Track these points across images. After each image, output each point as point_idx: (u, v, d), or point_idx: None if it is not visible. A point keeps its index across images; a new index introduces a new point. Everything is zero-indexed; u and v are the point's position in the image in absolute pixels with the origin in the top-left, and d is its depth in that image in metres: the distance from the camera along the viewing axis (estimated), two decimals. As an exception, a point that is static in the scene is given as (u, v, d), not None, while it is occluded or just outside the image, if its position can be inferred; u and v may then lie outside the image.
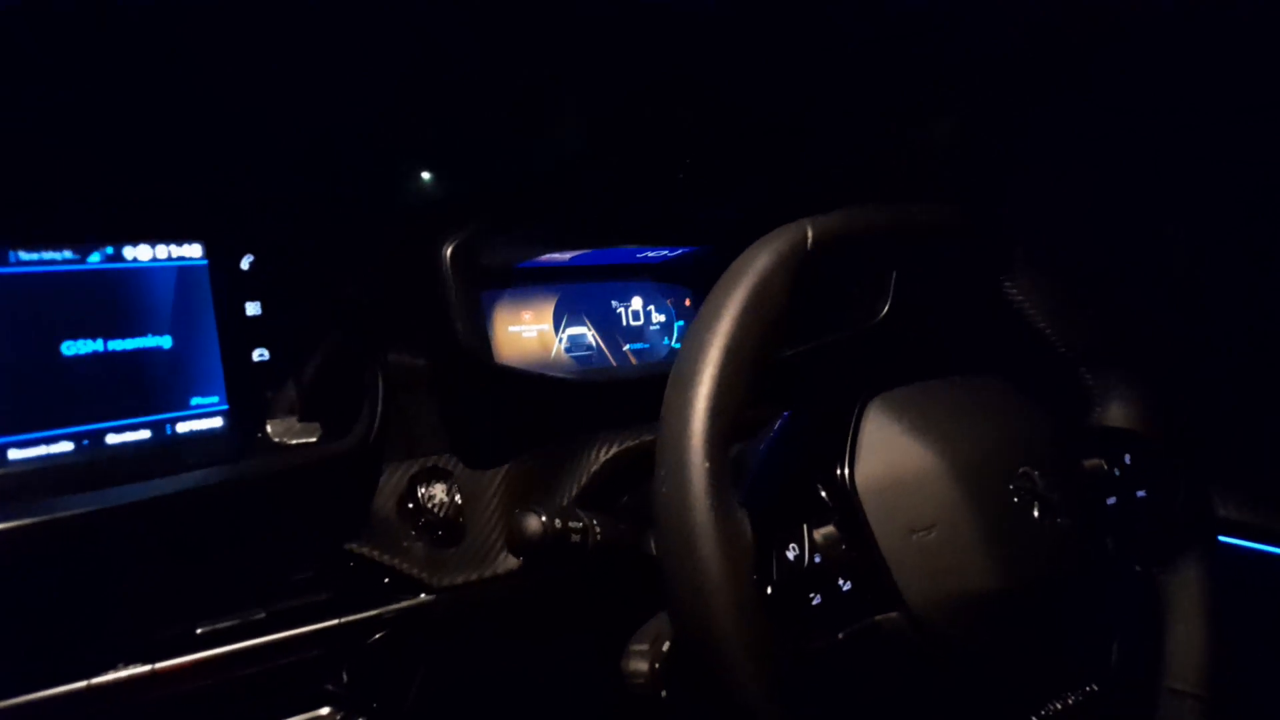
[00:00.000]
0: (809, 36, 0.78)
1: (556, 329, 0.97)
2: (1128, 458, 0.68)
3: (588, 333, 0.99)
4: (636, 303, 1.04)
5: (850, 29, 0.77)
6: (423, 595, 0.76)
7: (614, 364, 1.00)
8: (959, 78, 0.81)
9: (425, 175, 0.81)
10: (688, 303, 1.07)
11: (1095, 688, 0.60)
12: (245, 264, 0.72)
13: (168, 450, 0.69)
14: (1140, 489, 0.68)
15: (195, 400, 0.71)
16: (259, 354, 0.73)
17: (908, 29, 0.76)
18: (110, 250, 0.68)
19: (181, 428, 0.70)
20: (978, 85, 0.82)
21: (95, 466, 0.66)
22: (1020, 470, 0.60)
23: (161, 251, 0.69)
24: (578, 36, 0.73)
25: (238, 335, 0.72)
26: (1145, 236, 0.82)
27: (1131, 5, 0.67)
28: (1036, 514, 0.60)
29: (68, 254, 0.66)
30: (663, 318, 1.05)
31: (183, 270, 0.70)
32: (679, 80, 0.83)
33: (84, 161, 0.67)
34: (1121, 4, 0.67)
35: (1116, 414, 0.70)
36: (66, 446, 0.66)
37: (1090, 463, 0.67)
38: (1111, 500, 0.67)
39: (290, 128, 0.71)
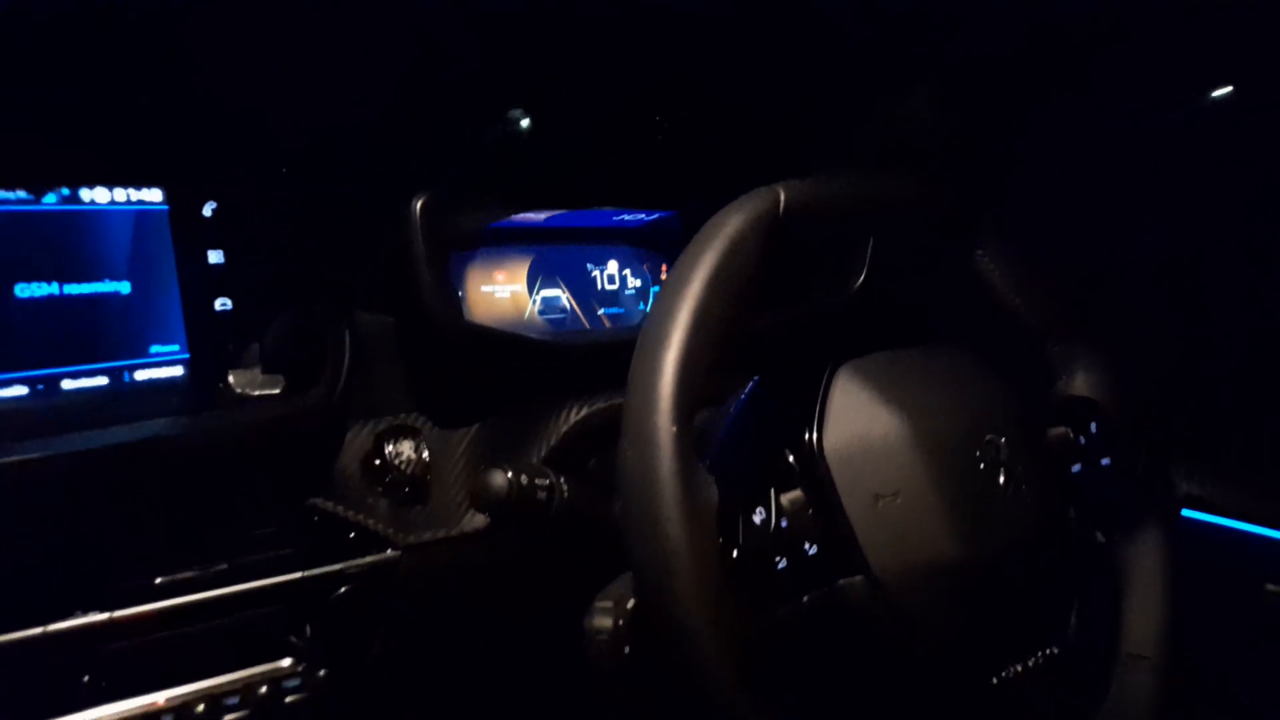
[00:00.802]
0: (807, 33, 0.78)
1: (530, 291, 0.96)
2: (1093, 426, 0.68)
3: (562, 295, 0.98)
4: (612, 266, 1.03)
5: (849, 28, 0.77)
6: (388, 551, 0.76)
7: (588, 327, 1.00)
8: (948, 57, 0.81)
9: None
10: (664, 268, 1.06)
11: (1055, 650, 0.61)
12: (208, 211, 0.70)
13: (126, 398, 0.68)
14: (1105, 457, 0.68)
15: (155, 348, 0.69)
16: (221, 304, 0.71)
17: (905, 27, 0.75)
18: (66, 191, 0.66)
19: (140, 375, 0.69)
20: (963, 64, 0.81)
21: (50, 412, 0.65)
22: (987, 438, 0.60)
23: (120, 194, 0.67)
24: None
25: (199, 283, 0.70)
26: (1117, 210, 0.82)
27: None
28: (1002, 481, 0.60)
29: (21, 194, 0.64)
30: (638, 282, 1.04)
31: (141, 214, 0.68)
32: (663, 44, 0.81)
33: (41, 99, 0.64)
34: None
35: (1082, 384, 0.71)
36: (20, 390, 0.65)
37: (1056, 431, 0.67)
38: (1076, 468, 0.67)
39: (258, 74, 0.69)
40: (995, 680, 0.59)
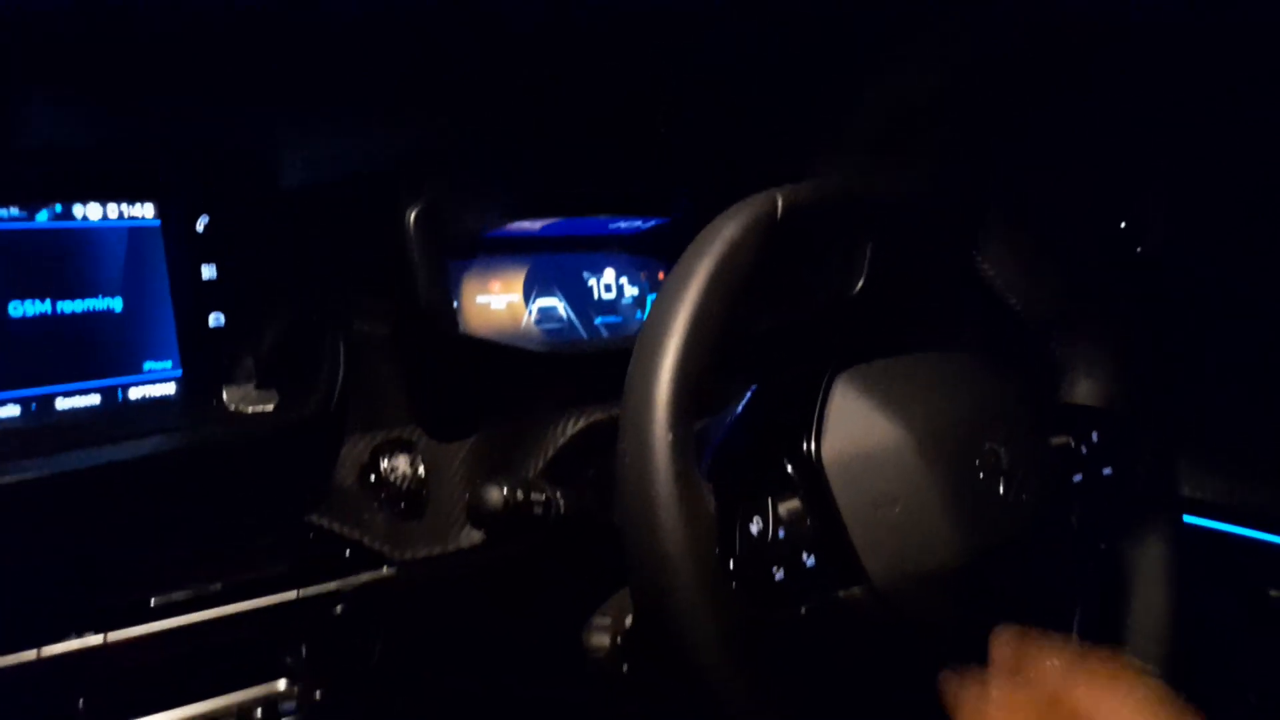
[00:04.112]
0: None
1: (526, 300, 0.95)
2: (1095, 435, 0.68)
3: (558, 304, 0.98)
4: (609, 275, 1.03)
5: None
6: (384, 568, 0.75)
7: (585, 337, 0.99)
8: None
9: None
10: (661, 276, 1.06)
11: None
12: (200, 225, 0.70)
13: (119, 416, 0.67)
14: (1107, 467, 0.68)
15: (148, 365, 0.69)
16: (215, 319, 0.71)
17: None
18: (59, 208, 0.65)
19: (134, 393, 0.69)
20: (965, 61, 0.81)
21: (44, 431, 0.64)
22: (986, 446, 0.60)
23: (112, 211, 0.67)
24: None
25: (192, 299, 0.70)
26: (1117, 211, 0.82)
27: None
28: (1002, 490, 0.59)
29: (14, 211, 0.64)
30: (635, 291, 1.04)
31: (134, 230, 0.68)
32: (661, 46, 0.81)
33: (31, 115, 0.64)
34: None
35: (1084, 390, 0.70)
36: (13, 411, 0.64)
37: (1058, 440, 0.67)
38: (1078, 478, 0.66)
39: (248, 86, 0.69)
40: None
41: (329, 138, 0.75)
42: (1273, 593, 0.81)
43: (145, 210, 0.68)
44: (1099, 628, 0.67)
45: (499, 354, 0.83)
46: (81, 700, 0.64)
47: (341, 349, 0.72)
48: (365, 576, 0.74)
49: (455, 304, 0.88)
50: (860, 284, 0.87)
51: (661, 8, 0.76)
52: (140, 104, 0.66)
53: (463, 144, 0.83)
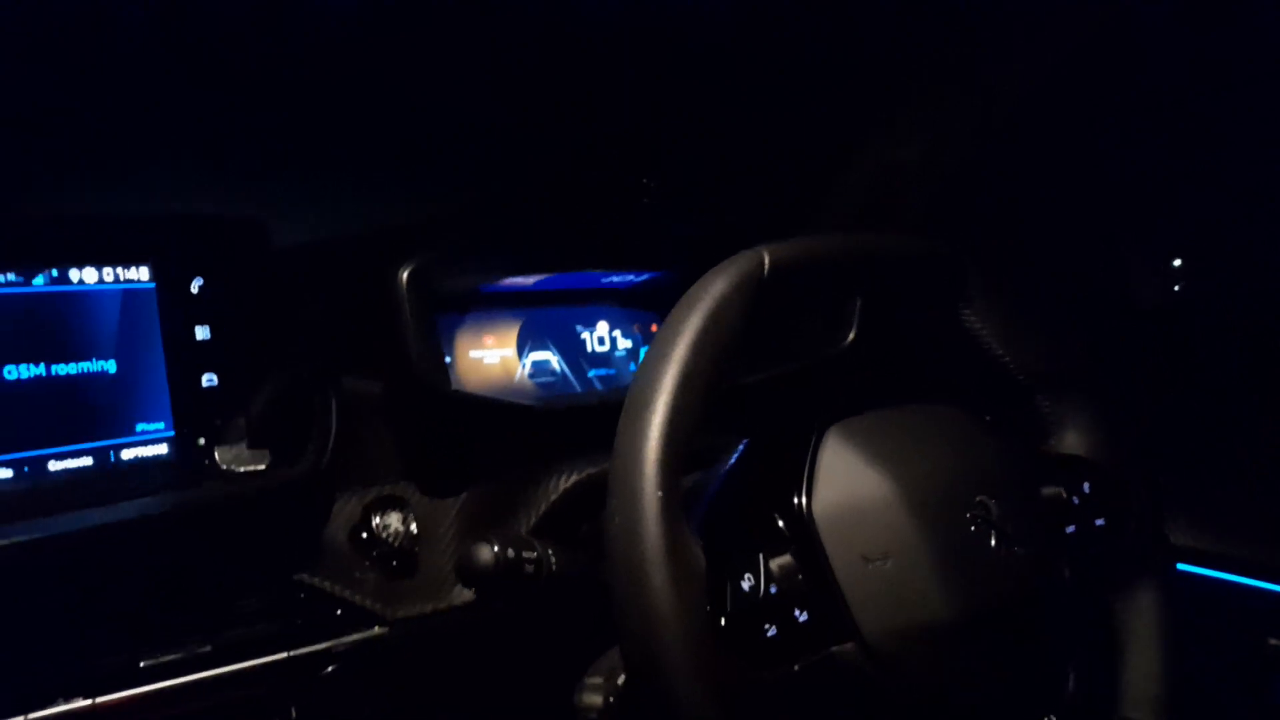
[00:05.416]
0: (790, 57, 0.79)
1: (520, 354, 0.96)
2: (1087, 486, 0.68)
3: (552, 358, 0.98)
4: (602, 328, 1.03)
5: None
6: (375, 628, 0.74)
7: (578, 390, 1.00)
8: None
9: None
10: (654, 328, 1.07)
11: (1052, 718, 0.60)
12: (194, 287, 0.71)
13: (111, 478, 0.68)
14: (1099, 518, 0.67)
15: (141, 426, 0.69)
16: (208, 379, 0.72)
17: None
18: (55, 273, 0.66)
19: (126, 454, 0.69)
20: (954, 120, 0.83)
21: (36, 494, 0.65)
22: (977, 499, 0.60)
23: (108, 274, 0.68)
24: (544, 56, 0.73)
25: (186, 360, 0.71)
26: (1104, 265, 0.83)
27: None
28: (993, 543, 0.59)
29: (11, 276, 0.65)
30: (628, 344, 1.05)
31: (129, 293, 0.69)
32: (651, 97, 0.83)
33: (28, 181, 0.65)
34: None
35: (1074, 442, 0.71)
36: (6, 473, 0.64)
37: (1049, 491, 0.67)
38: (1071, 529, 0.66)
39: (240, 147, 0.70)
40: (994, 748, 0.57)
41: (322, 202, 0.77)
42: (1271, 641, 0.80)
43: (140, 274, 0.69)
44: (1095, 680, 0.66)
45: (492, 409, 0.83)
46: (67, 767, 0.63)
47: (333, 407, 0.73)
48: (356, 636, 0.73)
49: (449, 359, 0.89)
50: (849, 338, 0.88)
51: (659, 67, 0.78)
52: (137, 171, 0.67)
53: (455, 202, 0.84)
